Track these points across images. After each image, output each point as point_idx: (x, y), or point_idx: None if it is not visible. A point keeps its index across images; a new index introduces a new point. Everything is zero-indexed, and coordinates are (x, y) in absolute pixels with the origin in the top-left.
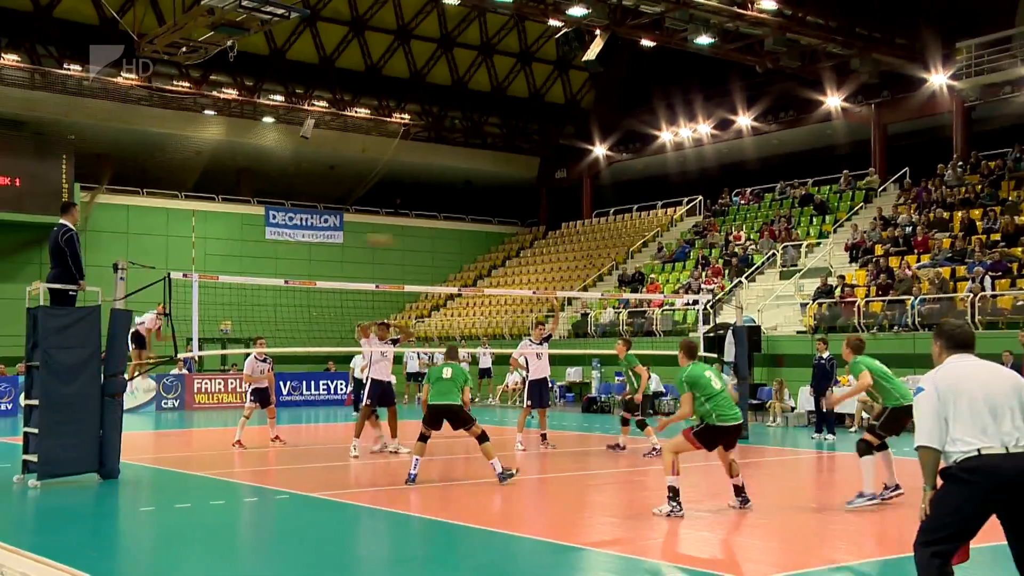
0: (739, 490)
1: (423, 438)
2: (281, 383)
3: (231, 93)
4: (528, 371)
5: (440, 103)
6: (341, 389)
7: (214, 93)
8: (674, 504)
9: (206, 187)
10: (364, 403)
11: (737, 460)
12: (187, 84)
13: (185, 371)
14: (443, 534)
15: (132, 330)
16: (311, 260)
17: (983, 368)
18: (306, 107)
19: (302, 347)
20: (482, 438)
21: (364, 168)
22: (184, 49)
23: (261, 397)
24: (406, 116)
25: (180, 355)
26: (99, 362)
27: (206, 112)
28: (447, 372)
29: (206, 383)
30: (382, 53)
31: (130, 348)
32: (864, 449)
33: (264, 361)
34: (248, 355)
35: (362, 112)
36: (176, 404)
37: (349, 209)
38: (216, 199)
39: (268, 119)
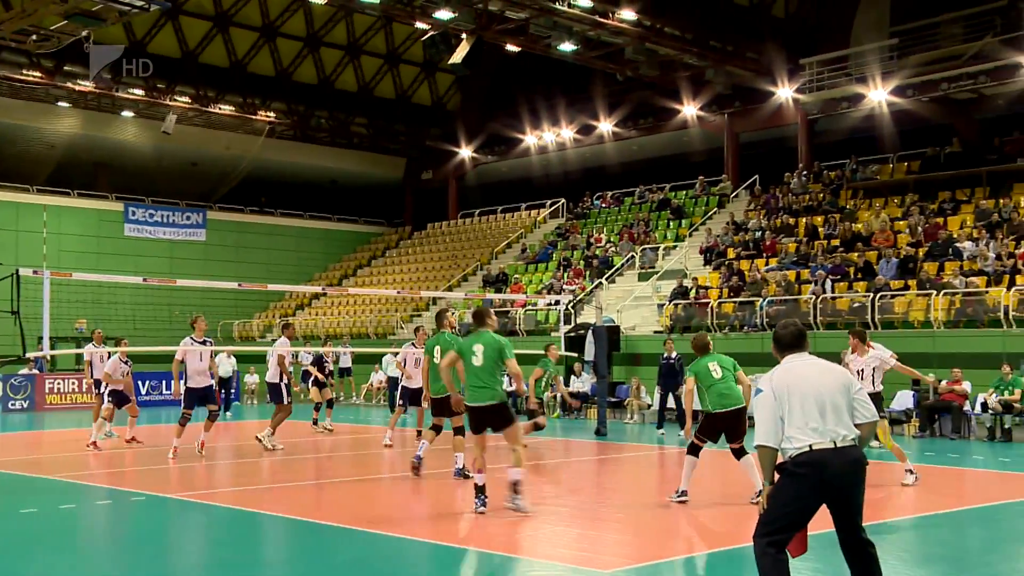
0: (513, 487)
1: (435, 428)
2: (140, 383)
3: (87, 85)
4: (404, 374)
5: (306, 102)
6: None
7: (68, 84)
8: (476, 501)
9: (61, 181)
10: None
11: (517, 450)
12: (39, 74)
13: (35, 371)
14: (305, 533)
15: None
16: (173, 258)
17: (815, 367)
18: (168, 102)
19: (163, 346)
20: (458, 431)
21: (228, 165)
22: (35, 37)
23: (120, 398)
24: (271, 114)
25: (30, 354)
26: None
27: (60, 104)
28: (436, 351)
29: (58, 383)
30: (247, 50)
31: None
32: (691, 449)
33: (126, 363)
34: (111, 355)
35: (226, 109)
36: (25, 405)
37: (213, 207)
38: (71, 194)
39: (127, 113)
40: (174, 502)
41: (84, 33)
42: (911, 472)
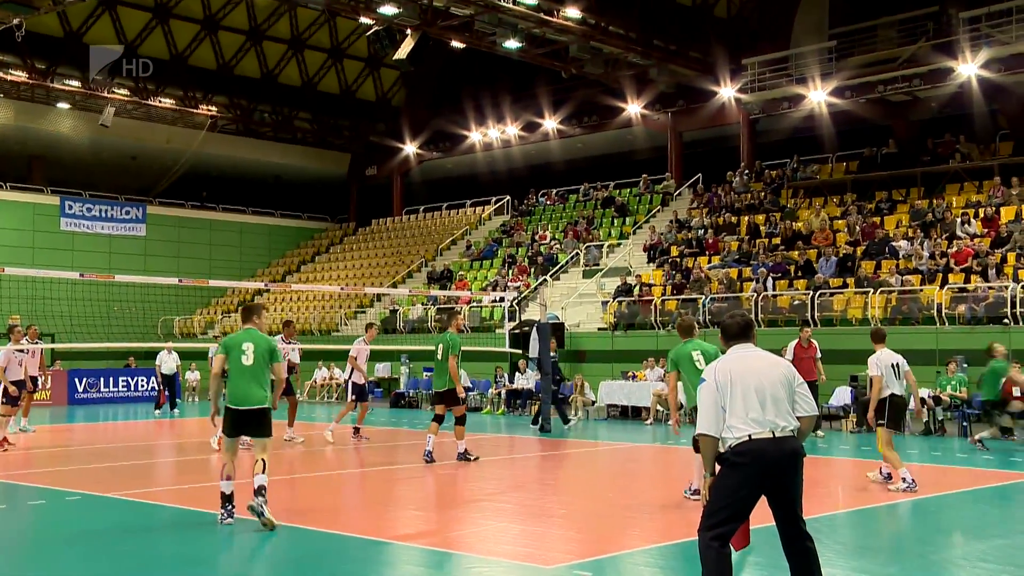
0: (258, 491)
1: (438, 419)
2: (77, 380)
3: (20, 75)
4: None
5: (249, 96)
6: (142, 386)
7: (0, 74)
8: (222, 511)
9: None
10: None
11: (264, 459)
12: None
13: None
14: (248, 532)
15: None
16: (111, 253)
17: (758, 358)
18: (106, 94)
19: (101, 343)
20: (460, 420)
21: (169, 159)
22: None
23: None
24: (213, 108)
25: None
26: None
27: None
28: (439, 349)
29: None
30: (188, 42)
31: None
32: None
33: (23, 352)
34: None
35: (167, 102)
36: None
37: (153, 201)
38: (4, 187)
39: (63, 105)
40: (111, 501)
41: (16, 21)
42: (904, 480)
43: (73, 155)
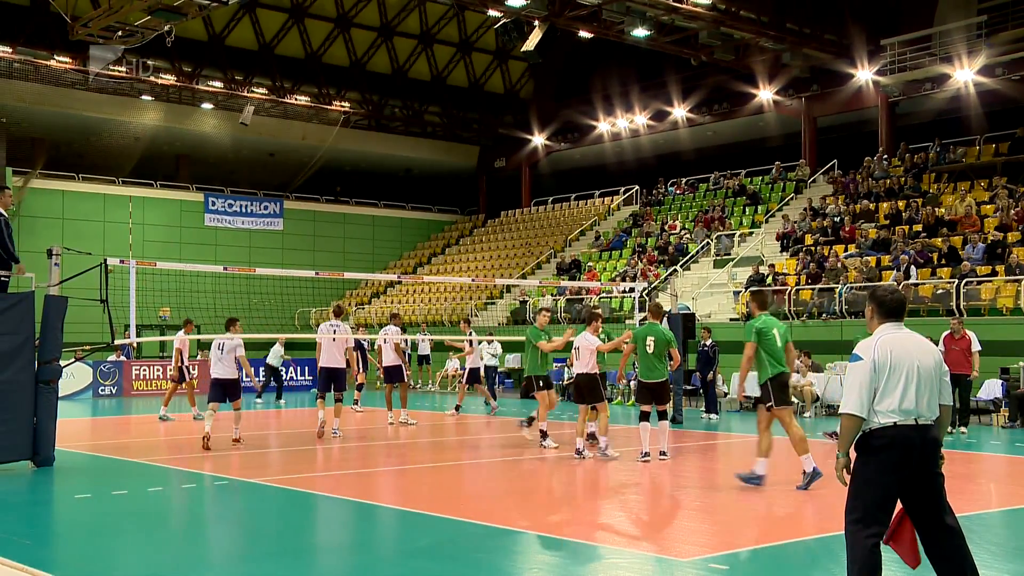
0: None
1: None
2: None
3: (169, 79)
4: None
5: (380, 91)
6: (291, 375)
7: (151, 78)
8: None
9: (145, 173)
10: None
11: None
12: (123, 69)
13: (123, 358)
14: (389, 518)
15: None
16: (251, 247)
17: (915, 343)
18: (245, 94)
19: (242, 333)
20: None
21: (304, 155)
22: (120, 33)
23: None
24: (346, 104)
25: (117, 341)
26: (33, 349)
27: (143, 97)
28: (649, 341)
29: (144, 370)
30: (322, 41)
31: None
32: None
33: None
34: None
35: (302, 99)
36: (114, 391)
37: (289, 196)
38: (154, 185)
39: (207, 105)
40: (255, 486)
41: (166, 27)
42: None
43: (216, 153)
